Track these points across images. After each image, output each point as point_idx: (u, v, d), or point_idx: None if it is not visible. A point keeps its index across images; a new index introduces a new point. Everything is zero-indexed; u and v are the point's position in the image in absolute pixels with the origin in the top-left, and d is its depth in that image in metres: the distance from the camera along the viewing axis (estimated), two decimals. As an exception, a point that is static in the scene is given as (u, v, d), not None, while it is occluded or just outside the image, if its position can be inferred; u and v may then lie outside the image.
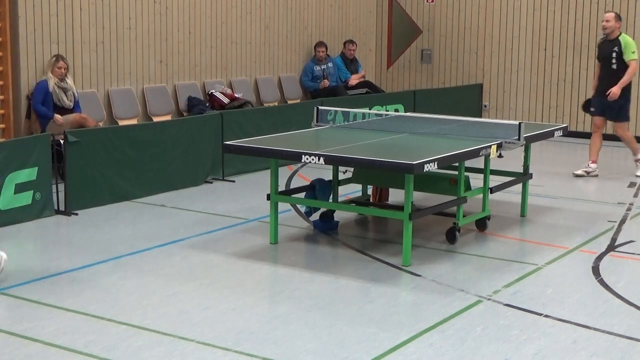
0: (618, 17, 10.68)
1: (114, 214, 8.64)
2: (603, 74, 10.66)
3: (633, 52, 10.43)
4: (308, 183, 8.19)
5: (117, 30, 11.15)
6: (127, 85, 11.36)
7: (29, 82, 10.16)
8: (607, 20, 10.58)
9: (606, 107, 10.59)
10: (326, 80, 13.78)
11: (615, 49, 10.48)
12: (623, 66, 10.47)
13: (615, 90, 10.39)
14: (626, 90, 10.54)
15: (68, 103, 10.04)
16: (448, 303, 6.07)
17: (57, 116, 9.87)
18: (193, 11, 12.16)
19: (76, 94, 10.22)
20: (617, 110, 10.64)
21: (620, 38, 10.54)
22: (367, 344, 5.29)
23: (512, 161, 9.44)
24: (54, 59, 10.03)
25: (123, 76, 11.30)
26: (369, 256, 7.25)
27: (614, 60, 10.50)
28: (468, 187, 7.92)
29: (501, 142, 7.65)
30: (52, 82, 9.93)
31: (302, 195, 7.97)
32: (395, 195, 8.98)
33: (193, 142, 10.01)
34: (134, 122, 11.12)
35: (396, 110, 12.86)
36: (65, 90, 10.03)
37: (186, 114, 11.83)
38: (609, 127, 11.08)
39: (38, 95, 9.92)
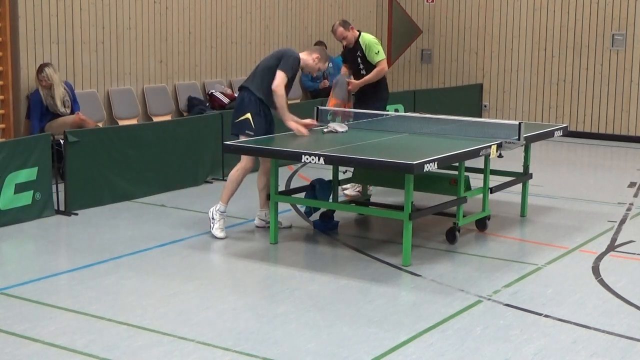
0: (345, 24, 9.14)
1: (114, 214, 8.64)
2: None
3: (377, 53, 9.04)
4: (308, 183, 8.20)
5: (117, 30, 11.14)
6: (127, 85, 11.36)
7: (29, 82, 10.15)
8: (343, 38, 9.11)
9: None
10: (326, 81, 13.77)
11: (359, 53, 9.11)
12: (372, 68, 9.09)
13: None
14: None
15: (65, 110, 9.99)
16: (448, 303, 6.07)
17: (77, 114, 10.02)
18: (193, 11, 12.16)
19: (71, 98, 10.14)
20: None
21: (360, 40, 9.11)
22: (367, 344, 5.29)
23: (512, 161, 9.44)
24: (38, 69, 9.91)
25: (123, 76, 11.30)
26: (369, 256, 7.25)
27: (361, 66, 9.15)
28: (468, 187, 7.92)
29: (501, 142, 7.64)
30: (43, 94, 9.88)
31: (302, 195, 7.97)
32: (396, 195, 8.99)
33: (193, 142, 10.01)
34: (134, 122, 11.12)
35: (396, 110, 12.85)
36: (55, 100, 9.95)
37: (186, 114, 11.83)
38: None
39: (35, 109, 9.88)
